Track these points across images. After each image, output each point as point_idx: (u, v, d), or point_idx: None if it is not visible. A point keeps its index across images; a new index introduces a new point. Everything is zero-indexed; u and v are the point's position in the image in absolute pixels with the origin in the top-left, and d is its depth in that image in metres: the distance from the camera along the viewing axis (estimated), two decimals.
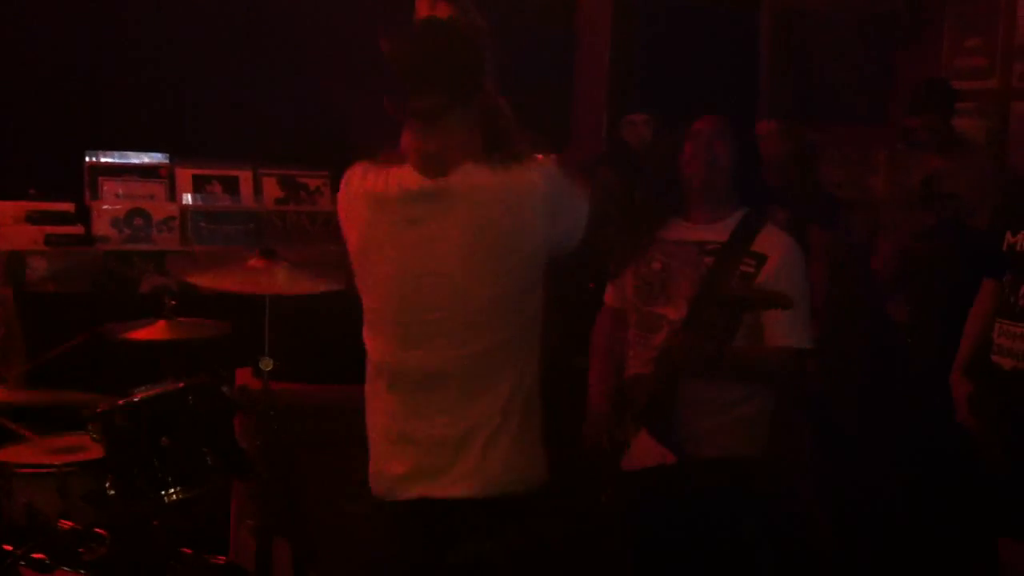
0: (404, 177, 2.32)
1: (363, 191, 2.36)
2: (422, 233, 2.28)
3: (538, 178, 2.32)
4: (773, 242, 2.98)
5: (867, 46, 5.87)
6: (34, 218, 4.77)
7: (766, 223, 3.03)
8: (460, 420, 2.28)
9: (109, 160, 5.10)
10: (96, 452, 3.15)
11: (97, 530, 3.02)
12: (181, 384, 3.14)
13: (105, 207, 4.91)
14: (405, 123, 2.34)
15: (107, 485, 3.04)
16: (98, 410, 3.07)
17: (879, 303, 4.86)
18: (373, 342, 2.38)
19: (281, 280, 3.37)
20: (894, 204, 4.96)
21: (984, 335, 3.70)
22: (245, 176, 5.25)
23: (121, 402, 3.07)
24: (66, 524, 3.02)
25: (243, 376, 3.80)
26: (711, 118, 3.03)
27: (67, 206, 4.88)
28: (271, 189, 5.26)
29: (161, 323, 3.48)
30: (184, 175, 5.17)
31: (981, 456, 3.71)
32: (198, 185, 5.16)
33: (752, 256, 2.92)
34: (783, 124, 5.03)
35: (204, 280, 4.57)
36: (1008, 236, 3.60)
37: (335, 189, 5.21)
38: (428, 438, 2.29)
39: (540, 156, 2.41)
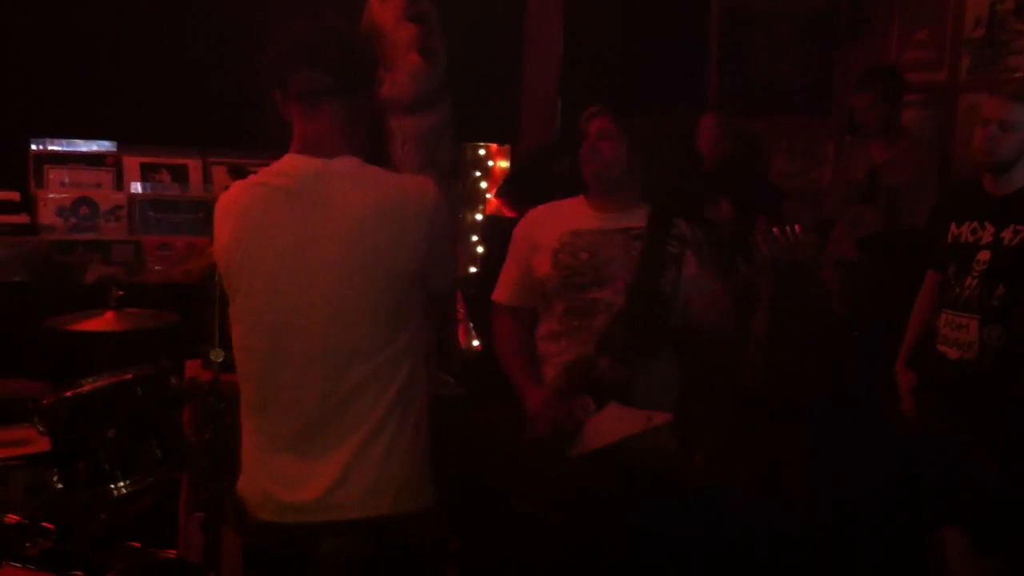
0: (282, 163, 2.22)
1: (236, 191, 2.25)
2: (303, 209, 2.14)
3: (430, 193, 2.21)
4: (687, 226, 3.17)
5: (813, 38, 5.92)
6: None
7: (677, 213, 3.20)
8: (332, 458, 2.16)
9: (55, 148, 5.03)
10: (42, 445, 3.10)
11: (43, 524, 2.97)
12: (128, 375, 3.10)
13: (51, 196, 4.84)
14: (286, 111, 2.25)
15: (53, 478, 3.00)
16: (44, 402, 3.03)
17: (825, 299, 4.90)
18: (244, 362, 2.28)
19: None
20: (839, 196, 5.00)
21: (927, 326, 3.75)
22: (194, 164, 5.19)
23: (67, 394, 3.03)
24: (12, 518, 2.97)
25: (193, 367, 3.76)
26: (601, 118, 3.21)
27: (12, 195, 4.80)
28: (221, 177, 5.20)
29: (108, 314, 3.44)
30: (132, 163, 5.10)
31: (925, 446, 3.76)
32: (146, 174, 5.10)
33: (675, 239, 3.08)
34: (722, 120, 5.07)
35: (157, 263, 4.55)
36: (952, 228, 3.65)
37: None
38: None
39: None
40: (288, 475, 2.18)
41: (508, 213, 5.71)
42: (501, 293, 3.36)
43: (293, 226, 2.14)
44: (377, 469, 2.15)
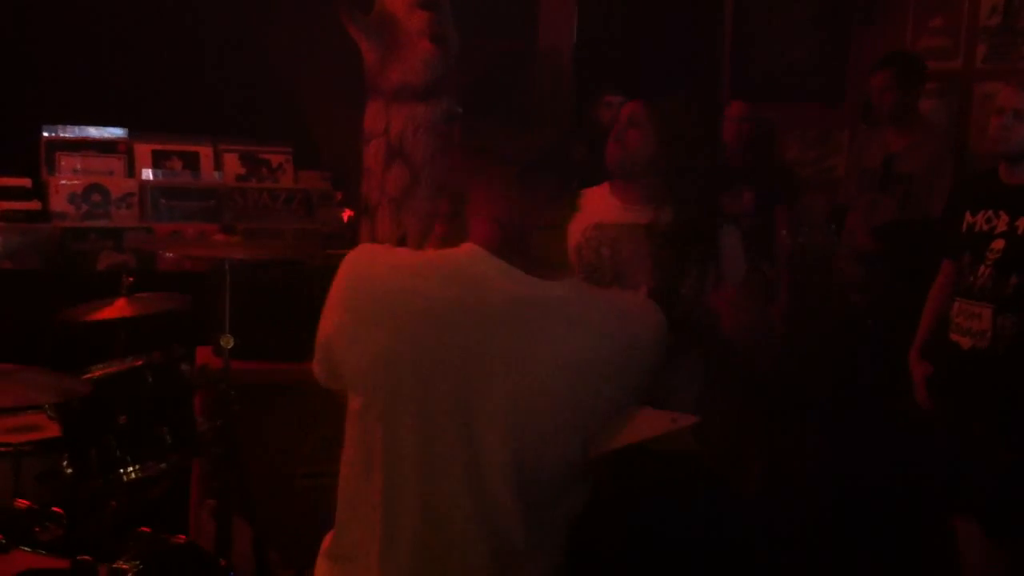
0: (469, 263, 1.66)
1: (380, 266, 1.70)
2: (503, 345, 1.63)
3: (656, 329, 1.76)
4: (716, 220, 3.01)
5: (827, 24, 5.90)
6: None
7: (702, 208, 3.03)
8: None
9: (67, 135, 5.02)
10: (52, 431, 3.11)
11: (54, 509, 2.97)
12: (139, 362, 3.10)
13: (63, 182, 4.84)
14: (473, 169, 1.71)
15: (64, 464, 3.00)
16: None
17: (842, 288, 4.89)
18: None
19: (242, 249, 3.34)
20: (853, 184, 4.99)
21: (942, 315, 3.73)
22: (206, 152, 5.18)
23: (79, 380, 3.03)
24: (22, 503, 2.98)
25: (204, 354, 3.76)
26: (633, 104, 3.03)
27: (24, 181, 4.80)
28: (232, 165, 5.20)
29: (120, 301, 3.44)
30: (143, 151, 5.10)
31: (937, 435, 3.74)
32: (157, 161, 5.10)
33: (699, 238, 2.92)
34: (748, 109, 5.07)
35: (169, 250, 4.56)
36: (967, 216, 3.63)
37: (298, 166, 5.24)
38: None
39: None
40: None
41: None
42: None
43: (488, 366, 1.64)
44: None
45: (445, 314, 1.64)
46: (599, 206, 3.03)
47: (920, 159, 4.58)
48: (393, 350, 1.66)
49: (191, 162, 5.15)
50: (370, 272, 1.71)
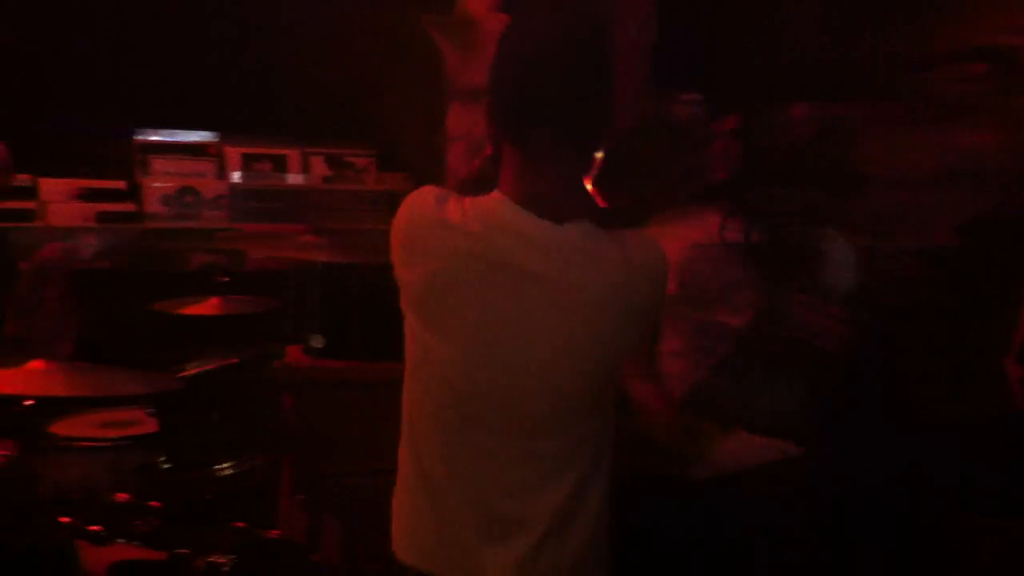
0: (505, 212, 1.78)
1: (439, 220, 1.78)
2: (527, 292, 1.75)
3: (663, 261, 1.85)
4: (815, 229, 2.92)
5: (889, 19, 5.80)
6: (86, 195, 4.82)
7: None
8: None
9: (159, 138, 5.14)
10: (150, 426, 3.20)
11: (151, 503, 3.06)
12: (233, 360, 3.17)
13: (156, 185, 4.96)
14: (499, 146, 1.82)
15: (161, 459, 3.09)
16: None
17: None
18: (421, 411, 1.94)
19: (330, 252, 3.40)
20: (935, 183, 4.91)
21: None
22: (293, 154, 5.28)
23: (175, 378, 3.11)
24: (121, 497, 3.07)
25: (294, 353, 3.83)
26: (734, 117, 2.94)
27: (118, 184, 4.92)
28: (319, 167, 5.29)
29: (214, 300, 3.52)
30: (233, 153, 5.20)
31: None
32: (247, 163, 5.19)
33: (798, 248, 2.85)
34: (813, 109, 5.01)
35: (258, 250, 4.65)
36: None
37: (382, 167, 5.31)
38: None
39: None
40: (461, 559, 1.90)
41: (599, 202, 5.69)
42: None
43: (507, 302, 1.76)
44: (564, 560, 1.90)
45: (485, 275, 1.78)
46: (701, 224, 2.90)
47: (1005, 156, 4.51)
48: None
49: (279, 164, 5.25)
50: (432, 214, 1.81)
